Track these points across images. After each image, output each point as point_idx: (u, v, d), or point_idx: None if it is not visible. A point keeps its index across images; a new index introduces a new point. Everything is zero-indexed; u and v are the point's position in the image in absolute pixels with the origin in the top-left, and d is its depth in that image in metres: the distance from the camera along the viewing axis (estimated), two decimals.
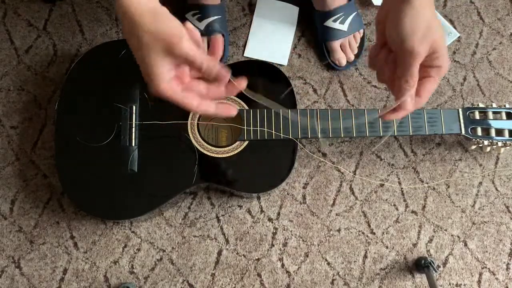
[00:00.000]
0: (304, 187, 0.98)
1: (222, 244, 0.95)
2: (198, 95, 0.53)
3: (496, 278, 0.96)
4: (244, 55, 1.03)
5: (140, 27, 0.48)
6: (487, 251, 0.97)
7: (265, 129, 0.87)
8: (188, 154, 0.87)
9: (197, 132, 0.88)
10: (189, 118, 0.88)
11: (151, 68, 0.49)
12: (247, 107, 0.89)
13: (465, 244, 0.97)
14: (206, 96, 0.53)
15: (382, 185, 0.98)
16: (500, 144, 0.90)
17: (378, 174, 0.98)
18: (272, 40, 1.03)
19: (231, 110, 0.54)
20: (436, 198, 0.98)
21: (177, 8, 0.79)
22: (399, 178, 0.99)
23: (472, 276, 0.96)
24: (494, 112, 0.91)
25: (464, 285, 0.95)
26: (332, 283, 0.94)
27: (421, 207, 0.98)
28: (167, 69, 0.50)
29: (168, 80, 0.50)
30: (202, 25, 0.97)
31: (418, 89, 0.55)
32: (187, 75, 0.53)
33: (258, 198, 0.97)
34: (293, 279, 0.94)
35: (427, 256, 0.96)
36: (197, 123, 0.88)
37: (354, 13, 1.00)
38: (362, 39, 1.03)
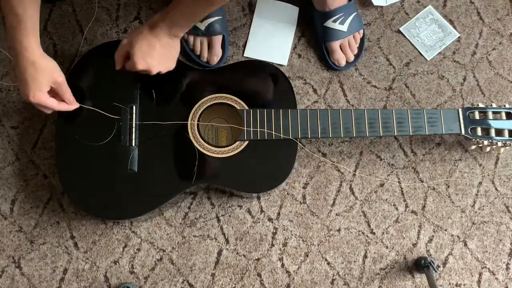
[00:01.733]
0: (304, 187, 0.98)
1: (222, 244, 0.95)
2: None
3: (496, 278, 0.96)
4: (244, 55, 1.03)
5: (25, 50, 0.74)
6: (487, 251, 0.97)
7: (265, 130, 0.87)
8: (188, 154, 0.87)
9: (197, 132, 0.88)
10: (189, 119, 0.88)
11: (27, 78, 0.75)
12: (247, 107, 0.89)
13: (465, 244, 0.97)
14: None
15: (382, 185, 0.98)
16: (500, 144, 0.90)
17: (378, 174, 0.98)
18: (272, 40, 1.03)
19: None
20: (436, 198, 0.98)
21: None
22: (399, 178, 0.99)
23: (472, 276, 0.96)
24: (494, 112, 0.91)
25: (464, 285, 0.95)
26: (332, 283, 0.94)
27: (421, 207, 0.98)
28: (45, 85, 0.77)
29: (41, 90, 0.76)
30: (203, 25, 0.97)
31: None
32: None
33: (258, 198, 0.97)
34: (293, 279, 0.94)
35: (427, 256, 0.96)
36: (197, 123, 0.88)
37: (354, 14, 1.00)
38: (362, 39, 1.03)
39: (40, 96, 0.76)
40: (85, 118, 0.88)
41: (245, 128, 0.87)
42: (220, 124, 0.94)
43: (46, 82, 0.76)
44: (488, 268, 0.96)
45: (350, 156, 0.99)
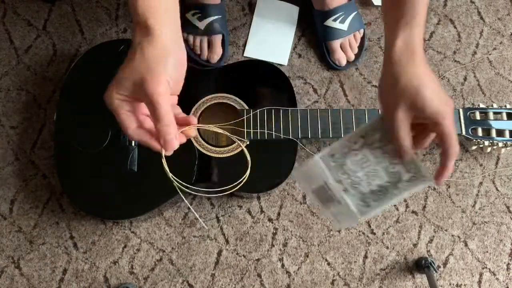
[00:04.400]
0: None
1: (222, 245, 0.95)
2: (137, 121, 0.52)
3: (497, 279, 0.96)
4: (244, 55, 1.03)
5: (141, 51, 0.49)
6: (487, 251, 0.97)
7: (265, 130, 0.87)
8: (188, 154, 0.86)
9: (197, 132, 0.88)
10: None
11: (119, 79, 0.50)
12: (247, 107, 0.89)
13: (466, 244, 0.97)
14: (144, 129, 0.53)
15: None
16: (500, 144, 0.90)
17: None
18: (272, 40, 1.03)
19: (166, 147, 0.51)
20: (436, 198, 0.98)
21: None
22: None
23: (473, 276, 0.96)
24: (494, 113, 0.91)
25: (465, 285, 0.95)
26: (332, 283, 0.94)
27: (422, 207, 0.98)
28: (129, 91, 0.50)
29: (121, 96, 0.50)
30: (202, 24, 0.97)
31: (441, 153, 0.54)
32: (142, 112, 0.52)
33: (258, 198, 0.97)
34: (293, 279, 0.94)
35: (427, 256, 0.95)
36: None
37: (354, 13, 1.00)
38: (362, 38, 1.02)
39: (112, 100, 0.50)
40: (84, 118, 0.87)
41: (245, 128, 0.87)
42: (220, 130, 0.94)
43: (130, 83, 0.50)
44: (489, 269, 0.96)
45: None
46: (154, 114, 0.48)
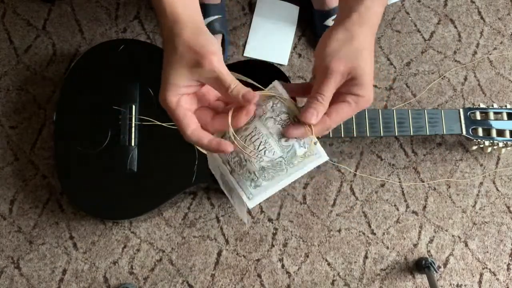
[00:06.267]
0: (304, 188, 0.97)
1: (222, 245, 0.95)
2: (198, 122, 0.49)
3: (497, 279, 0.95)
4: (244, 54, 1.02)
5: (179, 36, 0.48)
6: (488, 252, 0.96)
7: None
8: (188, 154, 0.86)
9: None
10: None
11: (167, 76, 0.48)
12: None
13: (466, 245, 0.97)
14: (207, 125, 0.50)
15: (382, 185, 0.98)
16: (501, 144, 0.90)
17: (379, 174, 0.98)
18: (272, 39, 1.03)
19: (224, 147, 0.48)
20: (436, 198, 0.98)
21: None
22: (399, 178, 0.98)
23: (473, 276, 0.95)
24: (495, 113, 0.91)
25: (465, 285, 0.95)
26: (332, 283, 0.94)
27: (422, 208, 0.97)
28: (183, 84, 0.48)
29: (176, 94, 0.48)
30: None
31: (329, 110, 0.49)
32: (203, 100, 0.51)
33: None
34: (293, 279, 0.94)
35: (427, 256, 0.95)
36: None
37: None
38: None
39: (168, 100, 0.48)
40: (84, 118, 0.87)
41: None
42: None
43: (185, 71, 0.47)
44: (489, 269, 0.96)
45: (351, 156, 0.99)
46: (221, 84, 0.47)
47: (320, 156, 0.50)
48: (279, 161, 0.50)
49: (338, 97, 0.49)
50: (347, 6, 0.52)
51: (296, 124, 0.49)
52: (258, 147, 0.49)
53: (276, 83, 0.51)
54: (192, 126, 0.48)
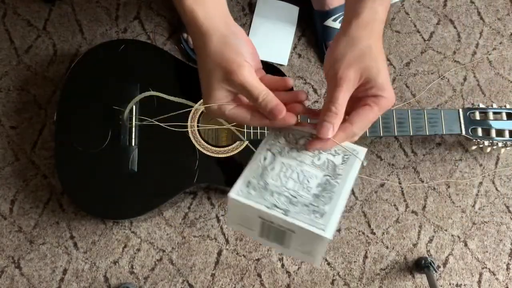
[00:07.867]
0: None
1: (222, 244, 0.95)
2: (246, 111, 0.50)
3: (496, 278, 0.96)
4: None
5: (206, 51, 0.48)
6: (487, 251, 0.97)
7: (266, 130, 0.87)
8: (188, 154, 0.87)
9: (197, 132, 0.88)
10: (189, 119, 0.88)
11: (209, 90, 0.49)
12: None
13: (465, 244, 0.97)
14: (246, 121, 0.51)
15: (382, 185, 0.98)
16: (500, 144, 0.90)
17: (379, 174, 0.98)
18: (272, 40, 1.03)
19: (288, 116, 0.48)
20: (436, 198, 0.98)
21: None
22: (399, 178, 0.98)
23: (472, 276, 0.96)
24: (494, 113, 0.91)
25: (465, 285, 0.95)
26: (332, 283, 0.94)
27: (421, 207, 0.98)
28: (224, 95, 0.49)
29: (221, 101, 0.49)
30: None
31: (351, 117, 0.48)
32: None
33: None
34: (293, 279, 0.94)
35: (427, 256, 0.95)
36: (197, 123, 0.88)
37: None
38: None
39: (219, 111, 0.50)
40: (85, 118, 0.87)
41: (245, 129, 0.87)
42: (220, 126, 0.94)
43: (221, 81, 0.49)
44: (489, 268, 0.96)
45: None
46: (250, 96, 0.48)
47: (357, 151, 0.48)
48: (326, 179, 0.48)
49: (358, 102, 0.49)
50: (346, 15, 0.52)
51: (316, 139, 0.48)
52: (299, 179, 0.47)
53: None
54: (248, 115, 0.50)
